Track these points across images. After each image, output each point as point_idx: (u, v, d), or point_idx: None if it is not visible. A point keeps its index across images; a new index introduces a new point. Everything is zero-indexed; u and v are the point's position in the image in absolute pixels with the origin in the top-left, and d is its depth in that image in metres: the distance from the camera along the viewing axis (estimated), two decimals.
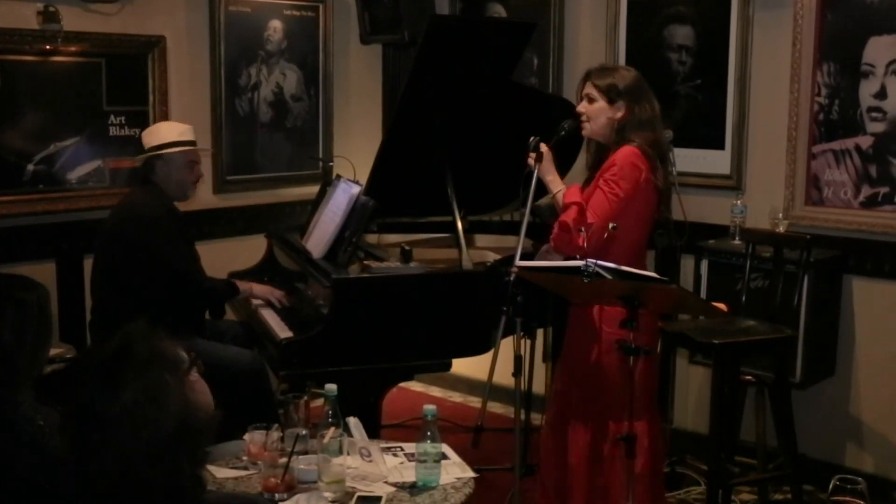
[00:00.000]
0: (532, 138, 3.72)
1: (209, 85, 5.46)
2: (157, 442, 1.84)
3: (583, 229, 3.53)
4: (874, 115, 4.47)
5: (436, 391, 6.17)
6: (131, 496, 1.84)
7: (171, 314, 4.01)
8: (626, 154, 3.65)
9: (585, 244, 3.52)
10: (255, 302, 4.59)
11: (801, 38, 4.62)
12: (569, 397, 3.84)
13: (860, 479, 2.26)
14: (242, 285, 4.58)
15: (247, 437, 3.07)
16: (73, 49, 4.84)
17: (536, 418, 5.12)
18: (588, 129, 3.80)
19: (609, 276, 3.11)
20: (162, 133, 4.45)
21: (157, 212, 4.31)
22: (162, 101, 5.17)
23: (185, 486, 1.90)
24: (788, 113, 4.70)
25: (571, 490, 3.80)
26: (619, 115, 3.73)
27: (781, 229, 4.60)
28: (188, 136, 4.48)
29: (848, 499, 2.21)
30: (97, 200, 4.90)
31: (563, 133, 3.78)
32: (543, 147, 3.72)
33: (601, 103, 3.75)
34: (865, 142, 4.51)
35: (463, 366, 4.35)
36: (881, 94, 4.44)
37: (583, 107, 3.80)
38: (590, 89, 3.78)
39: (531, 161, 3.70)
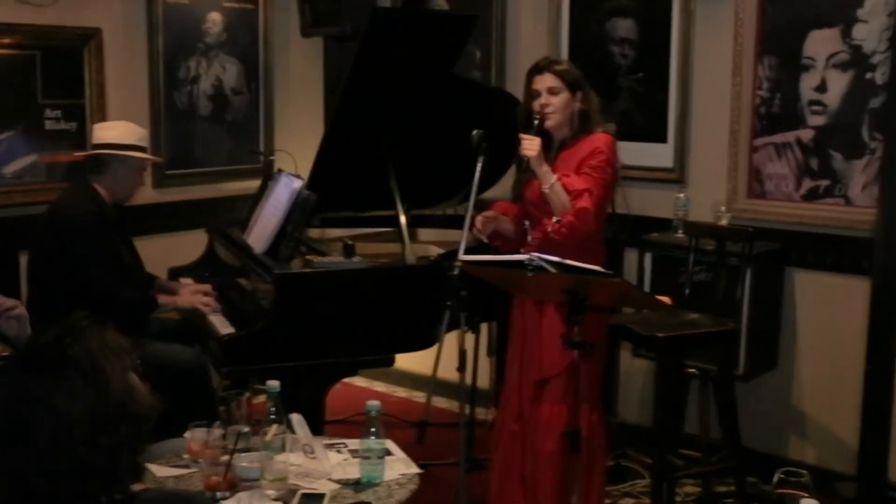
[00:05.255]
0: (474, 132, 3.69)
1: (147, 78, 5.37)
2: (97, 421, 1.84)
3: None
4: (815, 108, 4.50)
5: (380, 386, 6.13)
6: (67, 477, 1.83)
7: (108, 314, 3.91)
8: (607, 142, 3.74)
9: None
10: None
11: (743, 31, 4.65)
12: (537, 387, 3.82)
13: (804, 471, 2.27)
14: (165, 299, 4.44)
15: (188, 434, 3.02)
16: (6, 41, 4.73)
17: (481, 413, 5.11)
18: (554, 120, 3.78)
19: (553, 270, 3.09)
20: (121, 132, 4.36)
21: (86, 217, 4.18)
22: (99, 95, 5.07)
23: (122, 472, 1.89)
24: (730, 106, 4.73)
25: (542, 479, 3.77)
26: (578, 104, 3.78)
27: (724, 222, 4.62)
28: (145, 143, 4.43)
29: (792, 491, 2.22)
30: (33, 196, 4.78)
31: (536, 124, 3.74)
32: (535, 138, 3.69)
33: (566, 93, 3.77)
34: (806, 135, 4.54)
35: (408, 361, 4.32)
36: (821, 87, 4.48)
37: (546, 99, 3.77)
38: (552, 81, 3.77)
39: (526, 151, 3.66)
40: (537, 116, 3.75)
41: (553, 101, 3.77)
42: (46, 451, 1.82)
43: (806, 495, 2.18)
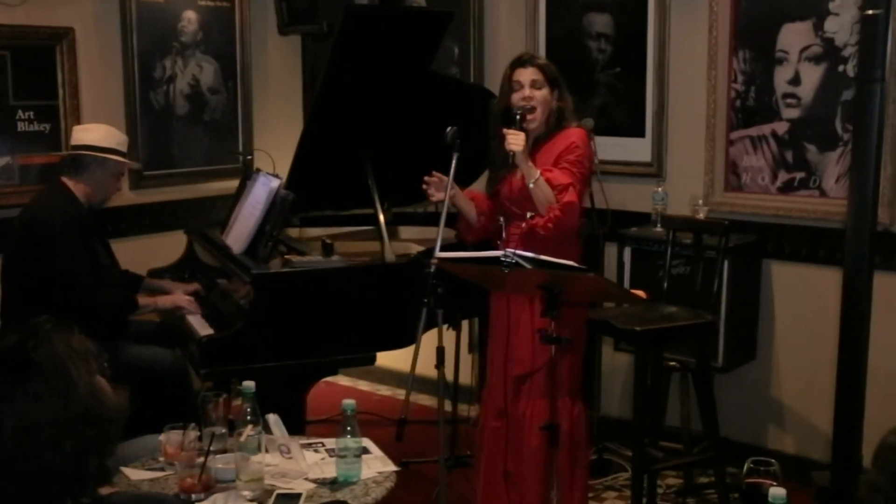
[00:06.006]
0: (448, 128, 3.68)
1: (122, 78, 5.32)
2: (62, 424, 1.83)
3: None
4: (789, 101, 4.52)
5: (364, 385, 6.14)
6: (32, 480, 1.82)
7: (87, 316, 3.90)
8: (582, 136, 3.76)
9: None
10: None
11: (717, 25, 4.66)
12: (520, 383, 3.83)
13: (773, 460, 2.27)
14: (145, 300, 4.42)
15: (163, 437, 3.00)
16: None
17: (463, 409, 5.11)
18: (538, 119, 3.78)
19: (528, 266, 3.10)
20: (102, 134, 4.33)
21: (62, 218, 4.15)
22: (73, 95, 5.03)
23: (89, 476, 1.88)
24: (706, 100, 4.74)
25: (527, 474, 3.78)
26: (555, 103, 3.80)
27: (701, 216, 4.63)
28: (124, 148, 4.41)
29: (762, 480, 2.23)
30: (6, 199, 4.74)
31: (518, 119, 3.72)
32: (520, 133, 3.65)
33: (547, 89, 3.78)
34: (781, 128, 4.56)
35: (391, 359, 4.32)
36: (795, 80, 4.49)
37: (530, 92, 3.76)
38: (536, 74, 3.77)
39: (512, 146, 3.61)
40: (518, 111, 3.74)
41: (536, 94, 3.76)
42: (10, 454, 1.81)
43: (775, 484, 2.19)
